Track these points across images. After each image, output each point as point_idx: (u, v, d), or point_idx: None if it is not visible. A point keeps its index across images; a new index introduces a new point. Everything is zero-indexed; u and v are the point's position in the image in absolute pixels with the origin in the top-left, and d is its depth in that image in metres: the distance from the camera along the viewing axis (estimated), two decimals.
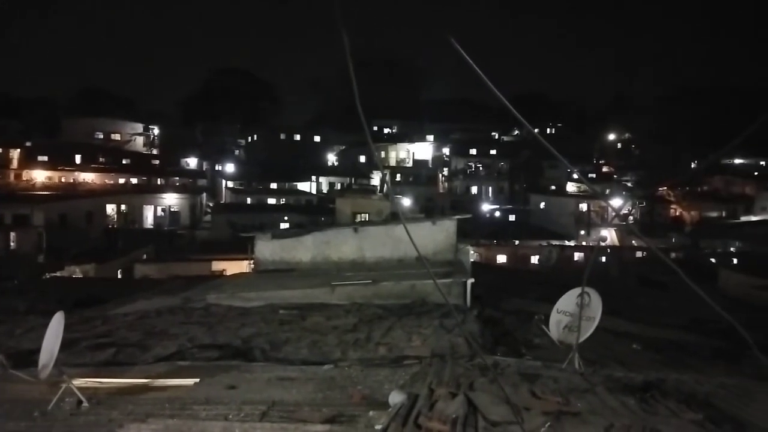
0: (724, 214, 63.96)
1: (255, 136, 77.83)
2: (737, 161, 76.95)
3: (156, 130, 74.86)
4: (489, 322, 10.45)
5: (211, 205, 60.75)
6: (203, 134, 78.65)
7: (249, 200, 57.55)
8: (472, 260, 19.97)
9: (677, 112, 78.71)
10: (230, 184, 64.30)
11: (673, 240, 52.69)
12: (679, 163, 67.59)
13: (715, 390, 5.71)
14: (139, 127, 72.06)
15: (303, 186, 63.77)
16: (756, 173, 74.24)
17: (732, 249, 47.54)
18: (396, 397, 4.50)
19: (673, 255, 41.03)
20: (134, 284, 21.49)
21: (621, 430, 3.87)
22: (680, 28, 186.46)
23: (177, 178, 62.95)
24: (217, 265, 29.16)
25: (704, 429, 4.09)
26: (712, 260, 39.78)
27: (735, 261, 39.61)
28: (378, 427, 4.01)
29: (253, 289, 12.21)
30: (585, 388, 5.26)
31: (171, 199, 53.75)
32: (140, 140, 71.53)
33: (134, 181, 59.24)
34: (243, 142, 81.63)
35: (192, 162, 72.09)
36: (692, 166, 60.38)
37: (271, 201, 57.40)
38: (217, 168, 71.81)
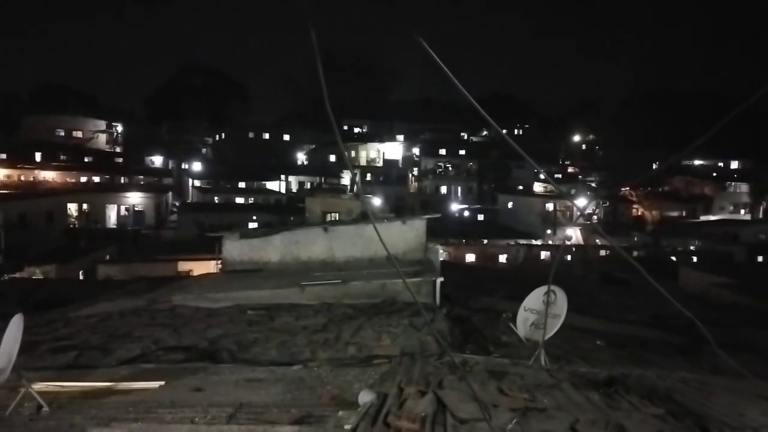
0: (684, 214, 66.13)
1: (223, 135, 76.81)
2: (697, 162, 79.58)
3: (120, 128, 73.16)
4: (458, 321, 10.54)
5: (177, 204, 59.61)
6: (169, 132, 77.18)
7: (216, 199, 56.74)
8: (441, 259, 20.15)
9: (640, 114, 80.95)
10: (197, 183, 63.26)
11: (635, 239, 54.15)
12: (641, 164, 69.56)
13: (675, 385, 5.88)
14: (102, 125, 70.29)
15: (272, 185, 63.18)
16: (714, 174, 76.91)
17: (692, 247, 49.12)
18: (365, 397, 4.50)
19: (635, 253, 42.13)
20: (97, 285, 20.91)
21: (585, 425, 3.95)
22: (645, 33, 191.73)
23: (141, 176, 61.62)
24: (184, 266, 28.65)
25: (666, 423, 4.21)
26: (673, 258, 41.06)
27: (694, 259, 40.98)
28: (347, 426, 4.00)
29: (221, 290, 12.03)
30: (551, 384, 5.36)
31: (135, 198, 52.55)
32: (103, 138, 69.78)
33: (97, 179, 57.72)
34: (211, 140, 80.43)
35: (157, 160, 70.64)
36: (654, 167, 62.09)
37: (240, 200, 56.71)
38: (183, 167, 70.56)
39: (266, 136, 76.27)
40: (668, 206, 67.32)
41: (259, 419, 4.47)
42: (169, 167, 70.02)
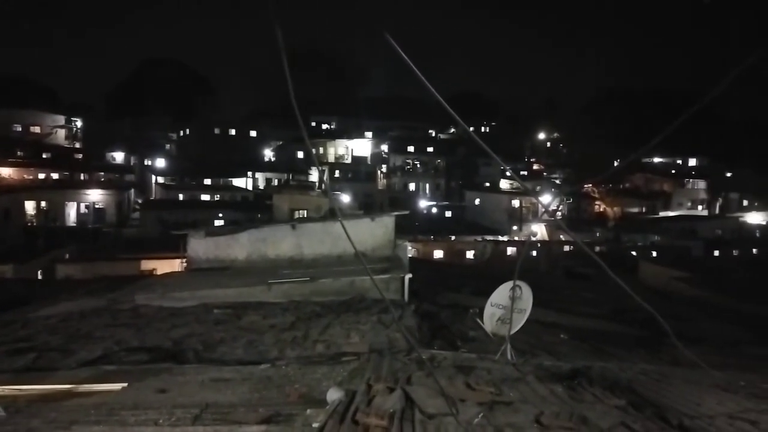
0: (644, 210, 68.10)
1: (188, 130, 75.20)
2: (656, 160, 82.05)
3: (79, 123, 70.90)
4: (426, 317, 10.61)
5: (139, 201, 58.19)
6: (131, 128, 75.21)
7: (181, 196, 55.53)
8: (410, 256, 20.24)
9: (603, 113, 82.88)
10: (161, 179, 61.85)
11: (598, 234, 55.47)
12: (603, 162, 71.35)
13: (636, 376, 6.06)
14: (61, 120, 68.03)
15: (239, 182, 62.27)
16: (673, 171, 79.44)
17: (651, 242, 50.63)
18: (334, 394, 4.49)
19: (597, 249, 43.26)
20: (56, 285, 20.25)
21: (550, 417, 4.03)
22: (610, 33, 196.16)
23: (102, 173, 59.93)
24: (147, 265, 27.99)
25: (627, 413, 4.33)
26: (633, 253, 42.24)
27: (654, 254, 42.25)
28: (315, 425, 3.98)
29: (186, 289, 11.82)
30: (517, 377, 5.45)
31: (95, 196, 51.08)
32: (62, 133, 67.54)
33: (55, 176, 55.82)
34: (175, 136, 78.73)
35: (119, 156, 68.82)
36: (615, 164, 63.69)
37: (205, 197, 55.66)
38: (146, 163, 68.90)
39: (232, 132, 75.10)
40: (629, 202, 69.21)
41: (225, 419, 4.41)
42: (131, 163, 68.28)
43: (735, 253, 47.92)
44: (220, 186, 59.75)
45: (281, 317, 9.69)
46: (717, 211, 71.65)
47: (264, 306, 10.71)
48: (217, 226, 21.74)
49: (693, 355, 5.93)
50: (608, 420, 4.10)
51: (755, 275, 26.55)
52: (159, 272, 23.30)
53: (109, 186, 54.64)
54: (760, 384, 5.74)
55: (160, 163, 68.56)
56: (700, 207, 71.14)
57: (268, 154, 76.75)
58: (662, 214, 65.76)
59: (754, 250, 49.67)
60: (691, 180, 75.07)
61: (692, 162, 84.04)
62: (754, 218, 65.38)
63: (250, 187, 62.69)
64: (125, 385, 5.82)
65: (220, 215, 44.61)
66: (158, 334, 8.66)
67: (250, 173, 64.50)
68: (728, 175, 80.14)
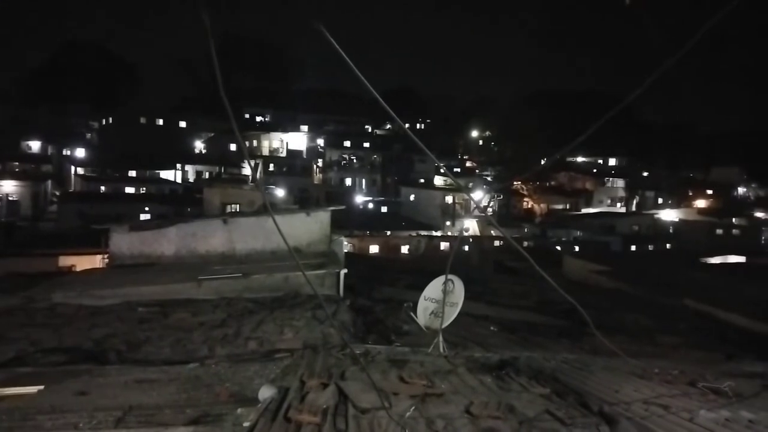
0: (568, 207, 71.41)
1: (111, 119, 71.26)
2: (580, 159, 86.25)
3: None
4: (361, 311, 10.66)
5: (57, 194, 54.67)
6: (49, 115, 70.39)
7: (103, 189, 52.63)
8: (345, 251, 20.22)
9: (529, 113, 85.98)
10: (81, 170, 58.37)
11: (526, 230, 57.61)
12: (532, 160, 74.22)
13: (560, 365, 6.35)
14: None
15: (167, 174, 59.77)
16: (595, 170, 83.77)
17: (574, 238, 53.18)
18: (266, 392, 4.42)
19: (525, 244, 44.88)
20: None
21: (479, 407, 4.16)
22: (537, 36, 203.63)
23: (16, 163, 55.91)
24: (65, 261, 26.33)
25: (551, 401, 4.53)
26: (558, 248, 44.20)
27: (576, 248, 44.38)
28: (246, 424, 3.90)
29: (107, 286, 11.24)
30: (448, 369, 5.58)
31: (9, 187, 47.70)
32: None
33: None
34: (96, 125, 74.44)
35: (35, 145, 64.32)
36: (542, 163, 66.58)
37: (130, 190, 53.03)
38: (65, 153, 64.80)
39: (160, 121, 71.91)
40: (554, 199, 72.38)
41: (150, 422, 4.24)
42: (49, 153, 64.02)
43: (650, 247, 51.20)
44: (146, 178, 57.13)
45: (211, 314, 9.43)
46: (634, 208, 76.22)
47: (193, 303, 10.37)
48: (142, 221, 20.82)
49: (611, 344, 6.28)
50: (534, 408, 4.28)
51: (668, 268, 28.45)
52: (78, 269, 21.99)
53: (24, 177, 51.09)
54: (671, 370, 6.17)
55: (81, 153, 64.69)
56: (618, 204, 75.41)
57: (199, 145, 74.13)
58: (584, 210, 69.26)
59: (668, 245, 53.28)
60: (610, 179, 79.42)
61: (612, 162, 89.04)
62: (667, 215, 70.12)
63: (179, 180, 60.33)
64: (41, 387, 5.49)
65: (146, 209, 42.62)
66: (77, 334, 8.20)
67: (179, 165, 62.06)
68: (645, 174, 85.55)
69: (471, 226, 55.12)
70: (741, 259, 36.02)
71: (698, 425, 4.07)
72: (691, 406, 4.56)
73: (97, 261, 19.21)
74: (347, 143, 74.26)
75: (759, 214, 71.08)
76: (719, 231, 57.64)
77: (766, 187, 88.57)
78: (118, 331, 8.28)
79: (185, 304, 10.23)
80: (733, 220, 65.22)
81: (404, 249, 45.81)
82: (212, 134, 71.82)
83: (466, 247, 43.83)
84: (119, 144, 63.04)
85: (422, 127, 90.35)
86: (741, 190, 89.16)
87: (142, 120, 70.49)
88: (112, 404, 4.78)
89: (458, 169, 75.42)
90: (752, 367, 7.43)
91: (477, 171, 79.81)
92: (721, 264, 32.38)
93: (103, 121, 72.73)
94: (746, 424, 4.15)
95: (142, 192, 52.85)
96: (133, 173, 57.44)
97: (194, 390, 5.26)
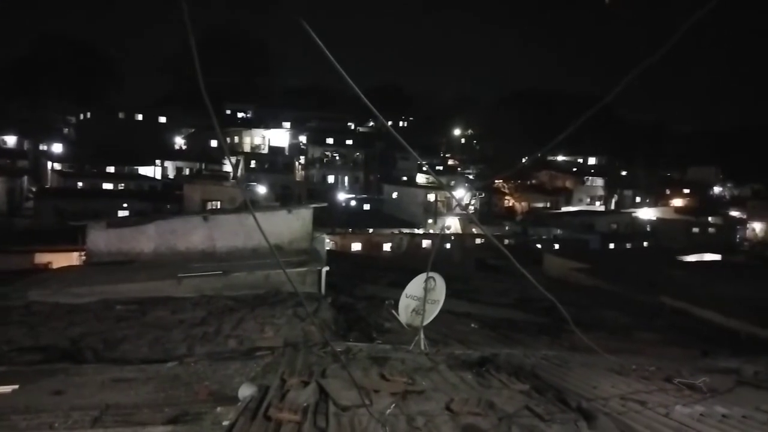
0: (548, 205, 72.14)
1: (89, 114, 69.98)
2: (560, 158, 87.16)
3: None
4: (343, 309, 10.64)
5: (33, 189, 53.55)
6: (25, 110, 68.84)
7: (80, 185, 51.69)
8: (327, 248, 20.15)
9: (511, 112, 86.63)
10: (58, 166, 57.25)
11: (507, 228, 58.08)
12: (513, 158, 74.83)
13: (539, 362, 6.41)
14: None
15: (146, 170, 58.92)
16: (575, 169, 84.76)
17: (554, 236, 53.73)
18: (246, 391, 4.39)
19: (506, 242, 45.25)
20: None
21: (459, 404, 4.18)
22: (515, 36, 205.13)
23: None
24: (41, 258, 25.81)
25: (530, 398, 4.58)
26: (538, 246, 44.62)
27: (556, 246, 44.85)
28: (225, 422, 3.87)
29: (85, 284, 11.06)
30: (429, 367, 5.60)
31: None
32: None
33: None
34: (74, 120, 73.05)
35: (10, 140, 62.93)
36: (523, 161, 67.21)
37: (108, 186, 52.15)
38: (41, 148, 63.49)
39: (139, 117, 70.86)
40: (535, 198, 73.07)
41: (128, 421, 4.19)
42: (24, 148, 62.67)
43: (628, 245, 51.97)
44: (125, 174, 56.25)
45: (191, 312, 9.33)
46: (613, 206, 77.27)
47: (172, 301, 10.25)
48: (120, 217, 20.50)
49: (589, 340, 6.36)
50: (513, 404, 4.31)
51: (646, 266, 28.93)
52: (55, 266, 21.59)
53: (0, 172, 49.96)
54: (648, 367, 6.27)
55: (58, 148, 63.44)
56: (598, 203, 76.36)
57: (179, 141, 73.22)
58: (564, 209, 70.01)
59: (645, 243, 54.13)
60: (590, 178, 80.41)
61: (592, 161, 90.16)
62: (645, 214, 71.21)
63: (158, 176, 59.54)
64: (16, 387, 5.39)
65: (125, 205, 41.97)
66: (53, 332, 8.06)
67: (158, 161, 61.23)
68: (623, 173, 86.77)
69: (453, 224, 55.36)
70: (717, 257, 36.79)
71: (674, 420, 4.14)
72: (667, 401, 4.64)
73: (74, 258, 18.89)
74: (330, 140, 73.98)
75: (734, 213, 72.57)
76: (695, 229, 58.74)
77: (742, 186, 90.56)
78: (95, 330, 8.15)
79: (164, 302, 10.11)
80: (709, 218, 66.55)
81: (386, 247, 45.85)
82: (193, 130, 71.01)
83: (448, 245, 44.03)
84: (97, 139, 61.94)
85: (405, 125, 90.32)
86: (717, 189, 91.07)
87: (121, 115, 69.39)
88: (89, 403, 4.71)
89: (441, 167, 75.61)
90: (727, 363, 7.59)
91: (459, 169, 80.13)
92: (697, 262, 33.03)
93: (81, 116, 71.41)
94: (720, 419, 4.24)
95: (120, 188, 52.06)
96: (111, 169, 56.51)
97: (173, 389, 5.20)
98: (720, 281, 22.19)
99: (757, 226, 63.63)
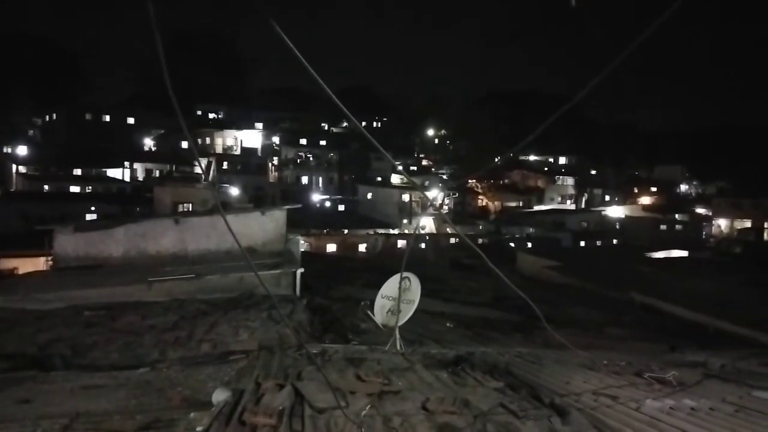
0: (521, 204, 73.07)
1: (55, 115, 68.22)
2: (532, 158, 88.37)
3: None
4: (318, 311, 10.59)
5: None
6: None
7: (47, 188, 50.32)
8: (302, 250, 20.02)
9: (484, 112, 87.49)
10: (23, 169, 55.60)
11: (480, 227, 58.58)
12: (486, 159, 75.55)
13: (513, 359, 6.49)
14: None
15: (114, 173, 57.66)
16: (546, 169, 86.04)
17: (527, 234, 54.40)
18: (220, 395, 4.33)
19: (480, 241, 45.64)
20: None
21: (435, 403, 4.20)
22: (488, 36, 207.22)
23: None
24: (7, 263, 25.08)
25: (505, 395, 4.63)
26: (512, 244, 45.11)
27: (529, 245, 45.42)
28: (199, 428, 3.81)
29: (52, 289, 10.78)
30: (405, 366, 5.61)
31: None
32: None
33: None
34: (39, 121, 71.17)
35: None
36: (495, 161, 67.99)
37: (75, 189, 50.88)
38: (5, 150, 61.59)
39: (107, 118, 69.35)
40: (508, 197, 73.94)
41: (98, 429, 4.09)
42: None
43: (598, 243, 52.95)
44: (93, 177, 54.91)
45: (162, 317, 9.17)
46: (583, 205, 78.70)
47: (143, 306, 10.06)
48: (88, 221, 20.02)
49: (561, 337, 6.47)
50: (488, 402, 4.35)
51: (615, 263, 29.51)
52: (21, 272, 20.99)
53: None
54: (619, 362, 6.40)
55: (23, 150, 61.55)
56: (569, 202, 77.68)
57: (149, 143, 71.83)
58: (536, 208, 71.00)
59: (615, 241, 55.23)
60: (561, 177, 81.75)
61: (562, 160, 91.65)
62: (614, 212, 72.68)
63: (127, 179, 58.32)
64: None
65: (93, 209, 40.98)
66: (20, 339, 7.84)
67: (127, 163, 59.97)
68: (593, 172, 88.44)
69: (428, 224, 55.59)
70: (684, 253, 37.71)
71: (644, 414, 4.24)
72: (637, 395, 4.75)
73: (40, 263, 18.38)
74: (303, 141, 73.58)
75: (700, 211, 74.66)
76: (663, 227, 60.18)
77: (707, 184, 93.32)
78: (64, 336, 7.95)
79: (134, 307, 9.91)
80: (676, 216, 68.31)
81: (362, 247, 45.76)
82: (163, 131, 69.75)
83: (423, 245, 44.18)
84: (64, 141, 60.47)
85: (379, 126, 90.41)
86: (683, 187, 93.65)
87: (88, 116, 67.84)
88: (58, 411, 4.59)
89: (415, 168, 75.91)
90: (694, 356, 7.80)
91: (433, 169, 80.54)
92: (665, 258, 33.79)
93: (47, 118, 69.62)
94: (688, 412, 4.35)
95: (88, 191, 50.80)
96: (78, 171, 55.13)
97: (145, 395, 5.10)
98: (687, 277, 22.77)
99: (722, 223, 65.47)
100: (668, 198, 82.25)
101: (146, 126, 70.98)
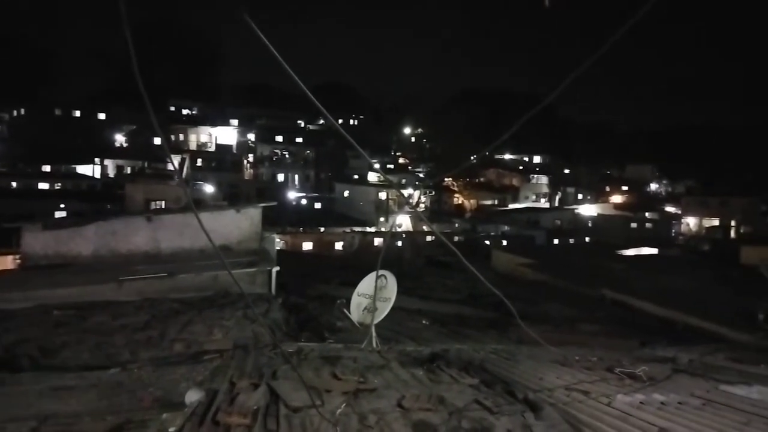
0: (496, 202, 73.77)
1: (22, 110, 66.36)
2: (507, 157, 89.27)
3: None
4: (294, 309, 10.54)
5: None
6: None
7: (14, 185, 48.97)
8: (278, 248, 19.89)
9: (460, 111, 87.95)
10: None
11: (456, 225, 58.94)
12: (461, 157, 75.91)
13: (488, 356, 6.55)
14: None
15: (84, 169, 56.38)
16: (521, 167, 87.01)
17: (502, 232, 54.95)
18: (193, 396, 4.28)
19: (456, 239, 45.92)
20: None
21: (410, 400, 4.21)
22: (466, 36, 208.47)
23: None
24: None
25: (480, 391, 4.67)
26: (487, 242, 45.52)
27: (504, 242, 45.89)
28: (172, 429, 3.76)
29: (19, 288, 10.49)
30: (381, 364, 5.62)
31: None
32: None
33: None
34: (6, 117, 69.11)
35: None
36: (470, 159, 68.29)
37: (44, 186, 49.63)
38: None
39: (77, 113, 67.74)
40: (483, 195, 74.59)
41: (68, 431, 4.00)
42: None
43: (571, 241, 53.78)
44: (62, 173, 53.63)
45: (134, 316, 9.00)
46: (557, 203, 79.82)
47: (114, 305, 9.86)
48: (57, 218, 19.51)
49: (535, 333, 6.55)
50: (463, 398, 4.39)
51: (588, 260, 30.01)
52: None
53: None
54: (590, 357, 6.51)
55: None
56: (543, 200, 78.72)
57: (120, 139, 70.39)
58: (511, 206, 71.79)
59: (587, 238, 56.17)
60: (535, 176, 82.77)
61: (537, 159, 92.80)
62: (586, 210, 73.89)
63: (98, 175, 57.09)
64: None
65: (62, 206, 40.02)
66: None
67: (97, 160, 58.68)
68: (566, 171, 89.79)
69: (404, 222, 55.70)
70: (654, 250, 38.57)
71: (616, 409, 4.32)
72: (609, 390, 4.84)
73: (7, 262, 17.88)
74: (279, 138, 72.95)
75: (669, 209, 76.42)
76: (634, 225, 61.41)
77: (676, 183, 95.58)
78: (31, 336, 7.74)
79: (105, 307, 9.71)
80: (646, 214, 69.81)
81: (338, 245, 45.61)
82: (134, 127, 68.40)
83: (399, 243, 44.25)
84: (32, 137, 58.81)
85: (355, 123, 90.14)
86: (653, 186, 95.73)
87: (57, 112, 66.19)
88: (26, 414, 4.47)
89: (391, 166, 75.95)
90: (664, 352, 7.98)
91: (410, 168, 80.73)
92: (635, 255, 34.50)
93: (14, 113, 67.63)
94: (658, 406, 4.45)
95: (57, 188, 49.59)
96: (47, 168, 53.78)
97: (116, 396, 5.01)
98: (657, 274, 23.28)
99: (691, 221, 67.07)
100: (639, 197, 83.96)
101: (118, 122, 69.55)
